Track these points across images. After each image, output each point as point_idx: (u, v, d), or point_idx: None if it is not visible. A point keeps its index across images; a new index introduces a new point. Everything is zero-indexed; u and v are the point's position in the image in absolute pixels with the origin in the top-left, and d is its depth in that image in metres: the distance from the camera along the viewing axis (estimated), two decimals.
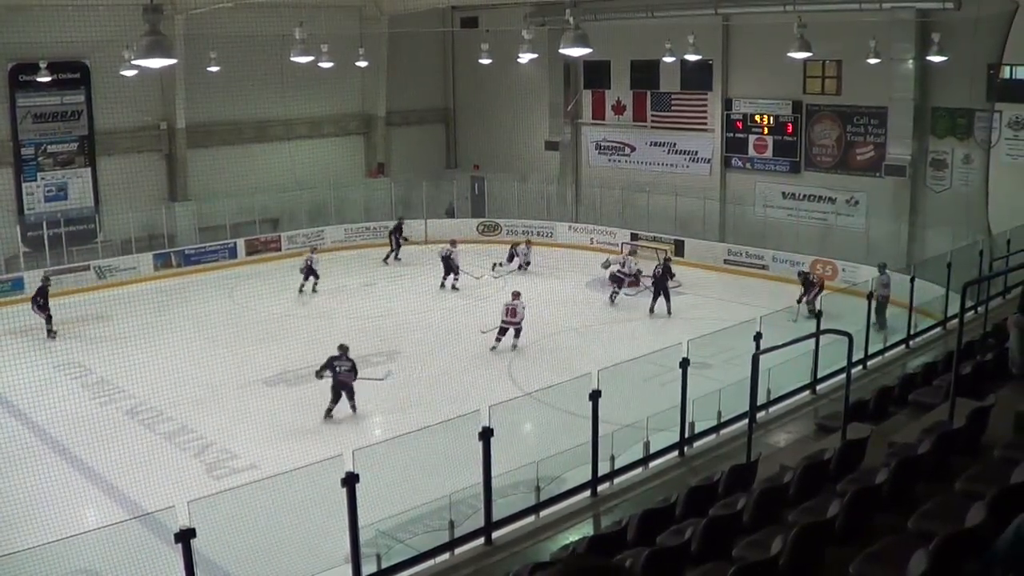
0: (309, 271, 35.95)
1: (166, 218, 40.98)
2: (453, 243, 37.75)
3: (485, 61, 40.36)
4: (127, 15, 21.09)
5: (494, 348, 29.63)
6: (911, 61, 36.03)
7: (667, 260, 35.47)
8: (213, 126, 42.49)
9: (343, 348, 24.34)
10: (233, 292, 37.29)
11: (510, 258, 39.98)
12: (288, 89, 41.70)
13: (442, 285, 37.04)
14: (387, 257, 41.91)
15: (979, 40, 32.82)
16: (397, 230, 42.52)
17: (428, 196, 46.58)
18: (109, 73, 35.69)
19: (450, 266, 36.84)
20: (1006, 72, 33.83)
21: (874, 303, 23.27)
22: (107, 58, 35.14)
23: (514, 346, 29.76)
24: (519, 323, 29.82)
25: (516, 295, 30.49)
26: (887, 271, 29.45)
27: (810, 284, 32.21)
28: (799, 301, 31.47)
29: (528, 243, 41.00)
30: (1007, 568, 5.69)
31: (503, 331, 29.78)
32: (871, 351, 20.42)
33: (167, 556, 11.70)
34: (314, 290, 36.01)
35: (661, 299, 33.33)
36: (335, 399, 24.03)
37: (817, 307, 26.99)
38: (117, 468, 20.72)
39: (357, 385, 24.25)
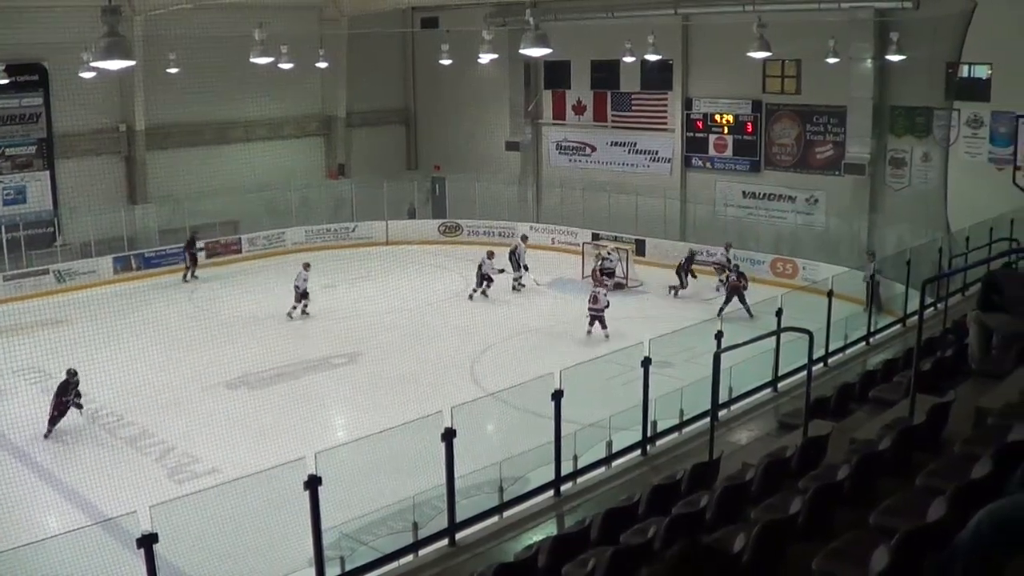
0: (303, 294, 33.76)
1: (125, 221, 40.63)
2: (490, 254, 36.72)
3: (445, 62, 40.39)
4: (85, 17, 20.97)
5: (589, 333, 30.55)
6: (870, 60, 36.23)
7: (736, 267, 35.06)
8: (172, 128, 42.16)
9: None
10: (193, 295, 37.09)
11: (511, 260, 38.08)
12: (248, 90, 41.37)
13: (470, 296, 36.27)
14: (185, 275, 39.61)
15: (937, 39, 33.03)
16: (190, 244, 39.97)
17: (389, 197, 46.43)
18: (67, 75, 35.30)
19: (482, 276, 36.10)
20: (964, 71, 34.04)
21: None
22: (65, 60, 34.78)
23: (606, 336, 30.07)
24: (600, 311, 30.45)
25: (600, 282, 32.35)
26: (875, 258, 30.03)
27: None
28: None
29: (524, 238, 40.23)
30: (968, 562, 5.71)
31: (592, 320, 30.57)
32: (833, 348, 20.50)
33: (129, 561, 11.58)
34: (304, 312, 33.93)
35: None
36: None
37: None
38: (78, 473, 20.57)
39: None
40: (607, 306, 30.38)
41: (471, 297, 36.07)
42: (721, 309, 31.49)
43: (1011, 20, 31.20)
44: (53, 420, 23.56)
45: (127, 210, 41.16)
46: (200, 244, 40.51)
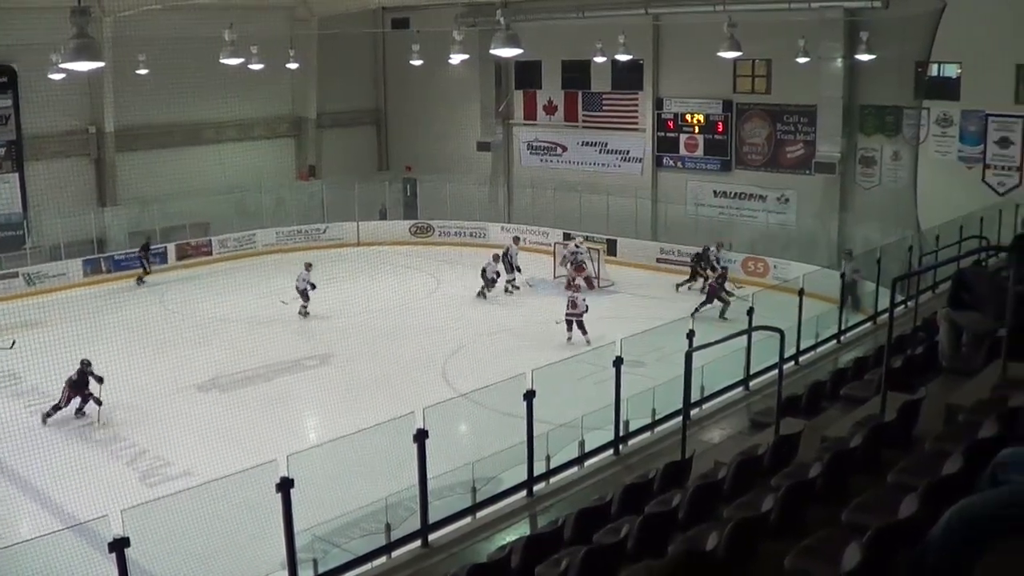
0: (302, 293, 33.73)
1: (95, 223, 40.43)
2: (496, 257, 36.87)
3: (416, 62, 40.29)
4: (54, 18, 20.82)
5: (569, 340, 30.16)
6: (840, 60, 36.37)
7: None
8: (142, 130, 41.88)
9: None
10: (164, 297, 36.92)
11: (504, 262, 37.81)
12: (218, 92, 41.23)
13: (483, 295, 36.28)
14: (140, 278, 39.37)
15: (907, 38, 33.20)
16: (144, 249, 39.58)
17: (360, 198, 46.34)
18: (37, 77, 35.04)
19: (486, 276, 36.15)
20: (934, 70, 34.23)
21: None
22: (35, 61, 34.47)
23: (587, 341, 29.40)
24: (579, 315, 30.17)
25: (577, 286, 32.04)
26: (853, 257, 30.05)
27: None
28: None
29: (516, 240, 40.15)
30: (939, 559, 5.72)
31: (569, 324, 30.20)
32: (804, 346, 20.56)
33: (102, 566, 11.52)
34: (304, 312, 33.90)
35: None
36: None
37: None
38: (50, 478, 20.47)
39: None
40: (586, 310, 30.28)
41: (484, 296, 36.12)
42: (696, 309, 31.14)
43: (980, 19, 31.39)
44: (57, 408, 24.15)
45: (97, 212, 40.94)
46: (154, 248, 40.37)
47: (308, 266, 34.17)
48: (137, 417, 24.34)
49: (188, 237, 42.73)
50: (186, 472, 20.59)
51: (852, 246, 34.33)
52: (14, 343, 25.69)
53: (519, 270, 37.36)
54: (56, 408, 24.17)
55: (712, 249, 36.15)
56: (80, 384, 24.30)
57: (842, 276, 23.94)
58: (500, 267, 36.71)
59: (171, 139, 43.14)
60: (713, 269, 34.46)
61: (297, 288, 33.73)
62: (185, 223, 42.51)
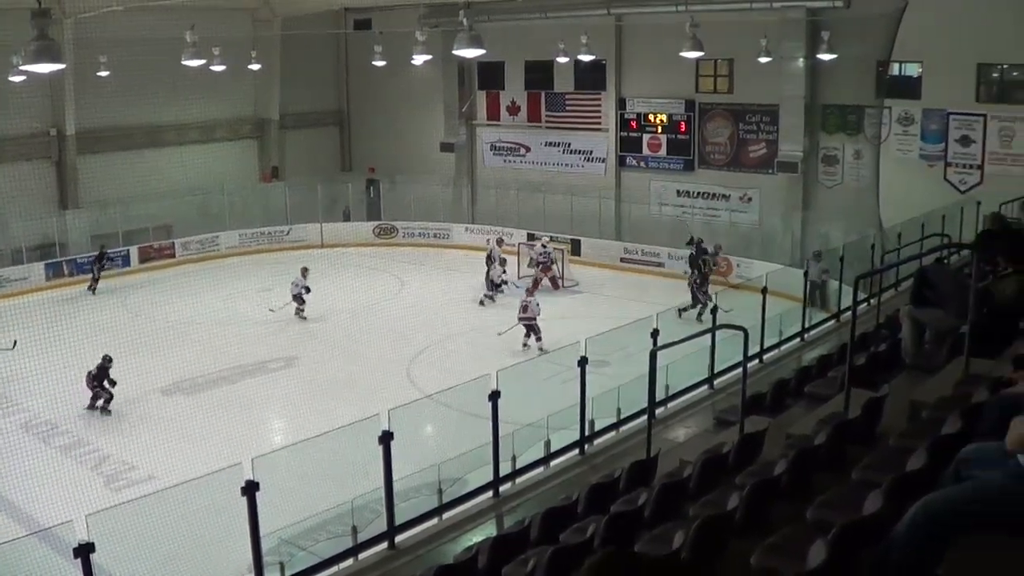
0: (296, 297, 33.60)
1: (57, 226, 40.13)
2: (502, 262, 36.89)
3: (379, 63, 40.16)
4: (15, 19, 20.62)
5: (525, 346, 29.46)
6: (801, 59, 36.58)
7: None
8: (104, 132, 41.54)
9: None
10: (127, 301, 36.69)
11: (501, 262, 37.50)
12: (180, 93, 40.95)
13: (492, 299, 36.03)
14: (92, 286, 38.18)
15: (868, 38, 33.44)
16: (99, 258, 38.37)
17: (323, 199, 46.23)
18: None
19: (492, 282, 36.29)
20: (895, 69, 34.48)
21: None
22: None
23: (540, 348, 28.97)
24: (532, 320, 29.52)
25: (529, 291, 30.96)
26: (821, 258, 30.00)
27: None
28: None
29: (499, 242, 39.75)
30: (904, 554, 5.75)
31: (526, 332, 29.59)
32: (768, 344, 20.62)
33: (67, 571, 11.45)
34: (300, 314, 33.76)
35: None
36: None
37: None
38: (13, 483, 20.30)
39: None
40: (538, 314, 29.69)
41: (493, 299, 35.86)
42: (685, 308, 30.65)
43: (941, 18, 31.69)
44: (96, 395, 24.84)
45: (58, 215, 40.61)
46: (115, 252, 40.10)
47: (304, 271, 34.03)
48: (101, 421, 24.27)
49: (151, 240, 42.45)
50: (151, 476, 20.49)
51: (815, 245, 34.49)
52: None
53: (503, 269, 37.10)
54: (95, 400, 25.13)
55: (710, 250, 36.21)
56: (99, 378, 24.79)
57: (805, 274, 23.97)
58: (500, 269, 36.74)
59: (133, 141, 42.83)
60: (699, 269, 34.30)
61: (292, 293, 33.65)
62: (148, 226, 42.24)
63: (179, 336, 30.96)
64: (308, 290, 33.52)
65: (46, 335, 28.41)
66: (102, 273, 38.30)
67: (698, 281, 32.72)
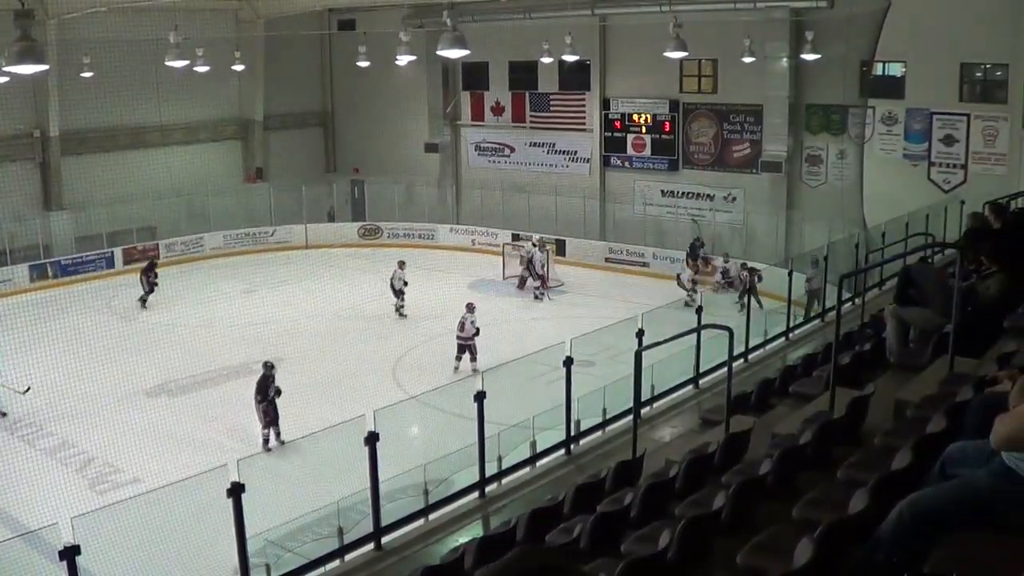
0: (398, 292, 34.15)
1: (41, 228, 40.03)
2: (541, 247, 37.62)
3: (363, 64, 40.15)
4: None
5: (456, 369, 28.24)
6: (785, 59, 36.67)
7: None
8: (87, 133, 41.50)
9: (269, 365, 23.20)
10: (111, 302, 36.59)
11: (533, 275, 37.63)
12: (163, 94, 40.93)
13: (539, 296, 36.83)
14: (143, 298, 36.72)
15: (852, 38, 33.53)
16: (150, 268, 37.00)
17: (308, 200, 46.17)
18: None
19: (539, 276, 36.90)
20: (879, 69, 34.53)
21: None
22: None
23: (474, 369, 27.24)
24: (469, 340, 28.05)
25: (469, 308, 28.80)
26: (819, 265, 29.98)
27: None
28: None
29: (540, 244, 39.71)
30: (890, 552, 5.77)
31: (460, 350, 28.15)
32: (753, 344, 20.66)
33: (52, 574, 11.43)
34: (399, 312, 34.30)
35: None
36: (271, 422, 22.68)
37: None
38: None
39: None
40: (476, 333, 28.07)
41: (540, 296, 36.57)
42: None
43: (924, 18, 31.76)
44: (271, 422, 22.71)
45: (42, 217, 40.52)
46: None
47: (402, 264, 34.51)
48: (86, 423, 24.09)
49: (135, 241, 42.36)
50: (136, 479, 20.46)
51: (799, 244, 34.61)
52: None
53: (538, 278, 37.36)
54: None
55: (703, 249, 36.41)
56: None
57: (790, 274, 23.97)
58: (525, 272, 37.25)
59: (117, 142, 42.76)
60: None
61: (393, 287, 34.09)
62: (132, 227, 42.20)
63: (164, 337, 30.91)
64: (406, 284, 33.96)
65: (31, 336, 28.38)
66: (153, 285, 36.56)
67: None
